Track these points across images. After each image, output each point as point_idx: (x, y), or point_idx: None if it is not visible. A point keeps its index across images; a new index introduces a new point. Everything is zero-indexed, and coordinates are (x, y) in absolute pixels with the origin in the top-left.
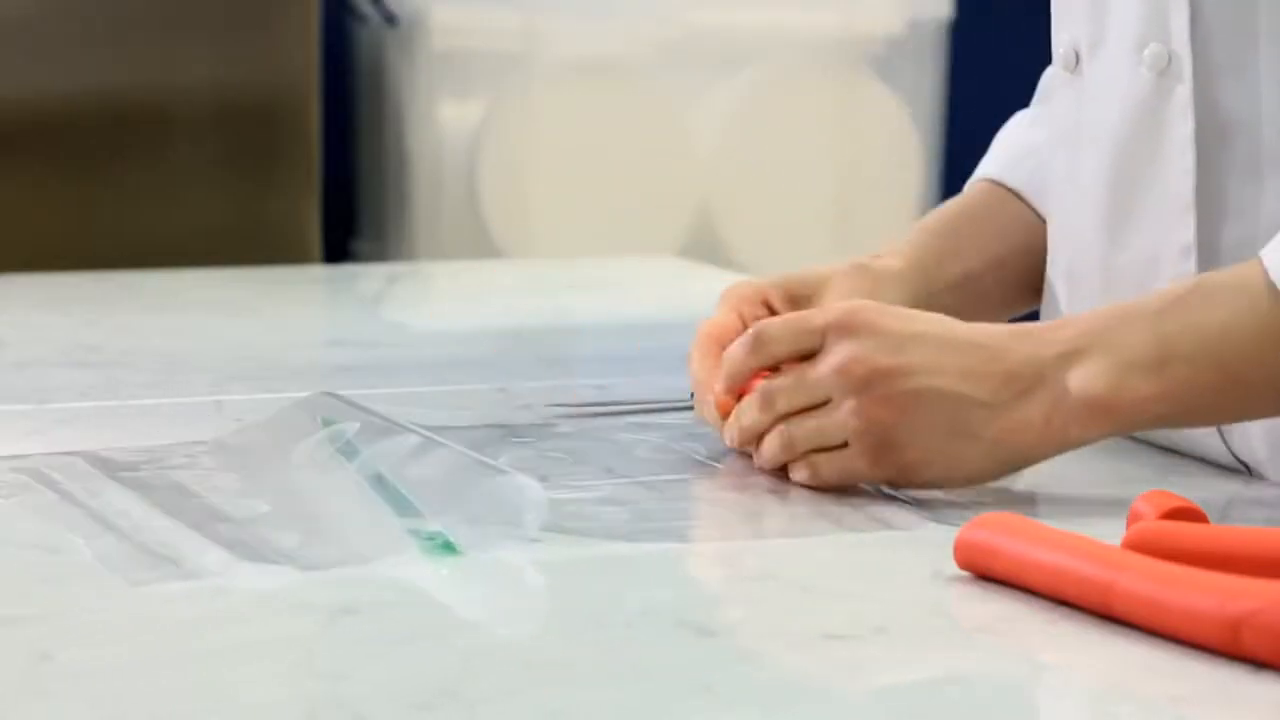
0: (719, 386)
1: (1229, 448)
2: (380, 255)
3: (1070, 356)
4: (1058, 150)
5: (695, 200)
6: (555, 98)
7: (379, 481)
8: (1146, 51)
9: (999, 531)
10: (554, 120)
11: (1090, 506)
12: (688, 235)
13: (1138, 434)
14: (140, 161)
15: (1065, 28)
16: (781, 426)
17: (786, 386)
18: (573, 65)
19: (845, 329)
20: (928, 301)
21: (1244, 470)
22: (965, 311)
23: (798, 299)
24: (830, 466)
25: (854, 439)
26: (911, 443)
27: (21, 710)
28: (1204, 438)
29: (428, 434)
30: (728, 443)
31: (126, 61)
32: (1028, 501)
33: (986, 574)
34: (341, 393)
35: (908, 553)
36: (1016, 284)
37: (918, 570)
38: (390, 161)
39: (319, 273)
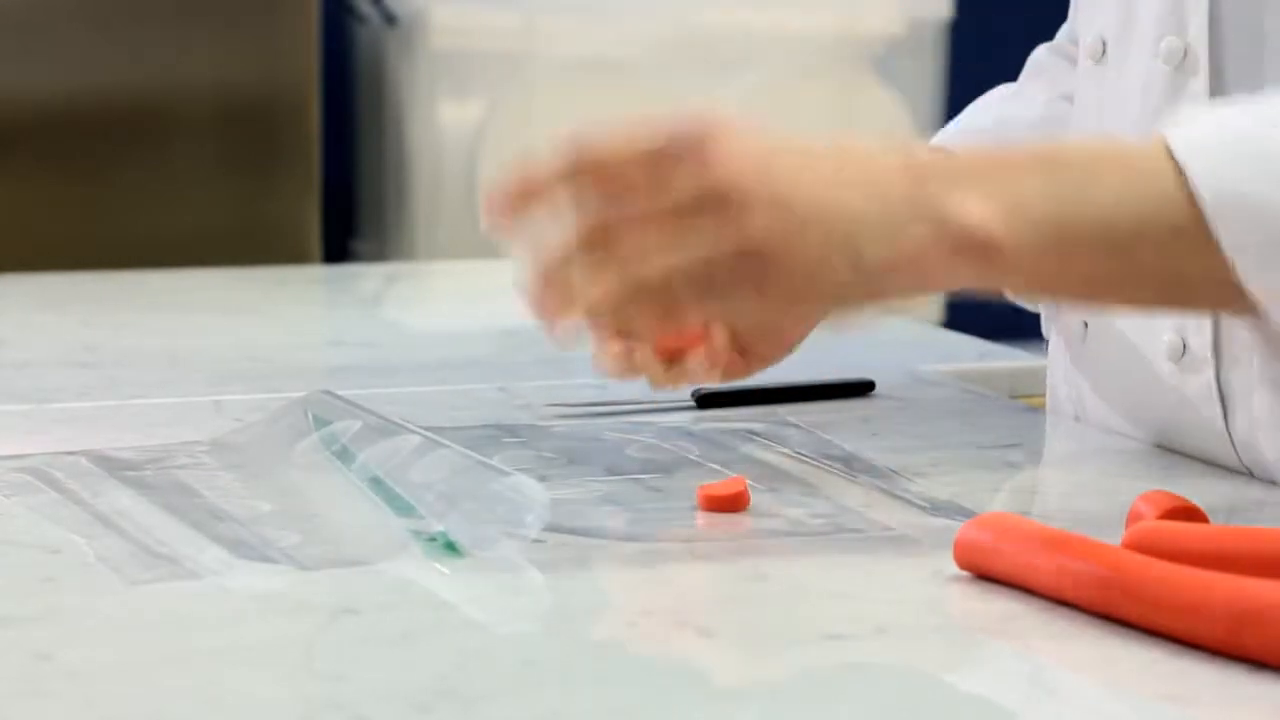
0: (504, 188)
1: (1235, 452)
2: (380, 255)
3: (958, 188)
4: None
5: None
6: (555, 98)
7: (378, 484)
8: (1163, 45)
9: (999, 531)
10: (554, 120)
11: (1090, 506)
12: None
13: (1137, 434)
14: (140, 161)
15: (1095, 18)
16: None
17: (638, 225)
18: (573, 65)
19: (703, 141)
20: None
21: (1247, 474)
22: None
23: None
24: (693, 283)
25: (729, 264)
26: (795, 263)
27: (21, 710)
28: (1208, 440)
29: (428, 434)
30: (541, 315)
31: (126, 61)
32: (1028, 501)
33: (986, 574)
34: (341, 393)
35: (908, 553)
36: None
37: (918, 570)
38: (390, 161)
39: (319, 273)
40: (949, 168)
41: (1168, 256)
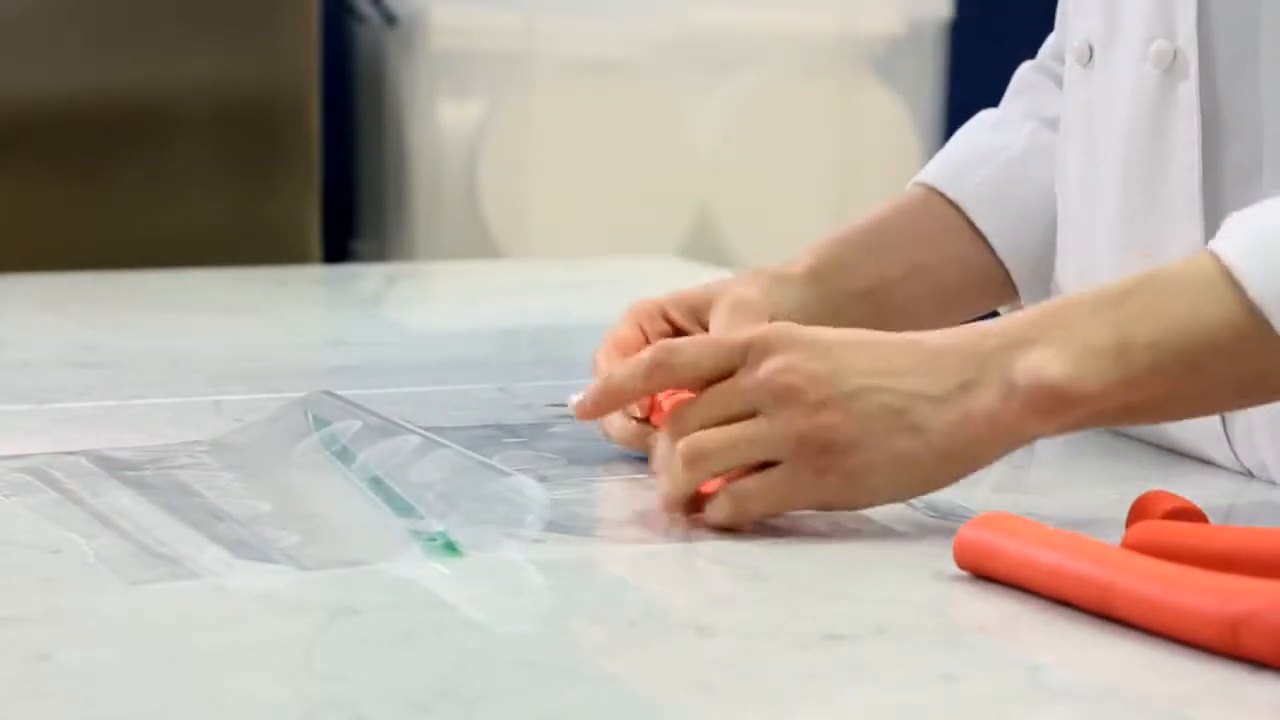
0: (588, 395)
1: (1234, 453)
2: (380, 255)
3: (1019, 345)
4: (1069, 146)
5: (695, 200)
6: (555, 98)
7: (378, 484)
8: (1152, 48)
9: (999, 531)
10: (554, 120)
11: (1090, 506)
12: (688, 235)
13: (1136, 433)
14: (140, 161)
15: (1081, 22)
16: (685, 439)
17: (700, 402)
18: (573, 65)
19: (766, 345)
20: (834, 309)
21: (1247, 474)
22: (880, 324)
23: (698, 309)
24: (760, 492)
25: (791, 453)
26: (855, 446)
27: (20, 710)
28: (1207, 441)
29: (428, 435)
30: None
31: (126, 61)
32: (1028, 502)
33: (986, 574)
34: (341, 393)
35: (908, 553)
36: (941, 296)
37: (918, 570)
38: (390, 161)
39: (319, 273)
40: (1006, 327)
41: (1238, 363)
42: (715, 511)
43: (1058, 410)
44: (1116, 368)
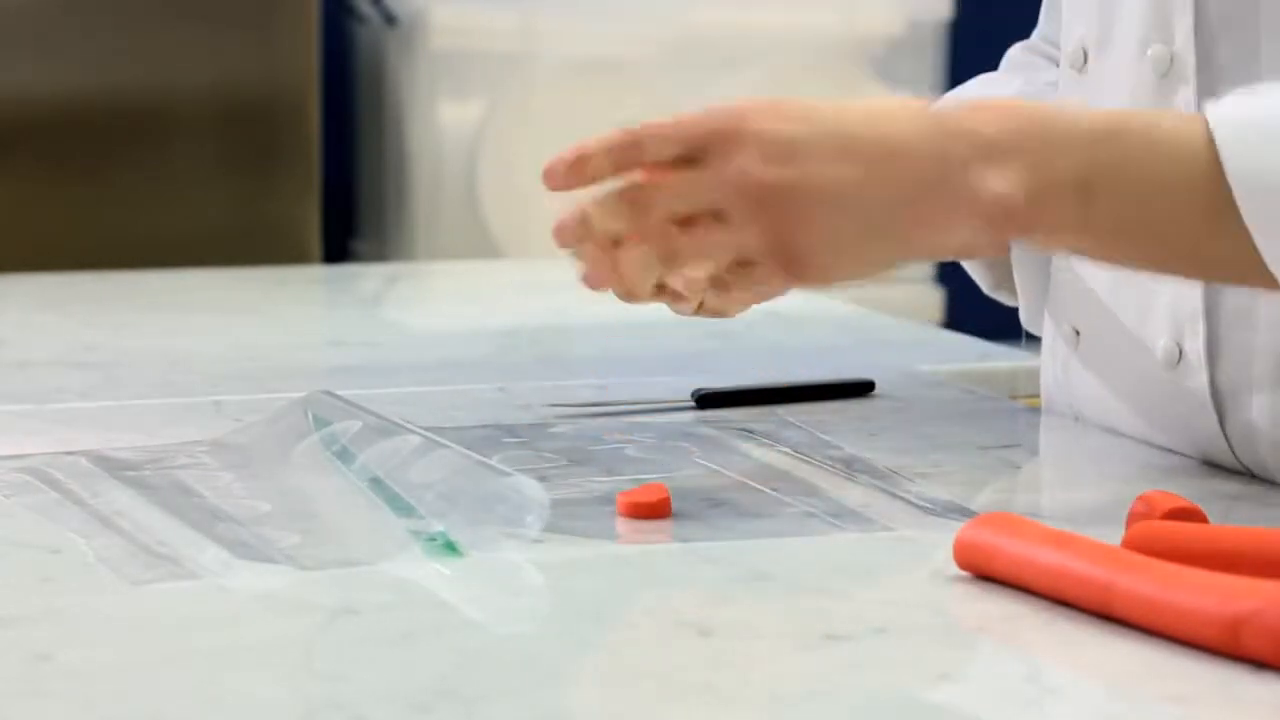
0: (560, 160)
1: (1234, 453)
2: (380, 255)
3: (986, 158)
4: None
5: None
6: (555, 98)
7: (378, 484)
8: (1150, 53)
9: (999, 531)
10: (554, 120)
11: (1090, 506)
12: None
13: (1137, 434)
14: (140, 161)
15: (1075, 27)
16: (658, 236)
17: (668, 189)
18: (572, 65)
19: (733, 137)
20: None
21: (1247, 474)
22: None
23: None
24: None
25: (758, 256)
26: (819, 248)
27: (20, 710)
28: (1205, 442)
29: (428, 435)
30: (561, 243)
31: (126, 61)
32: (1028, 501)
33: (986, 574)
34: (341, 393)
35: (908, 553)
36: None
37: (918, 570)
38: (390, 161)
39: (319, 273)
40: (978, 130)
41: (1200, 243)
42: (683, 303)
43: (1009, 227)
44: (1076, 209)
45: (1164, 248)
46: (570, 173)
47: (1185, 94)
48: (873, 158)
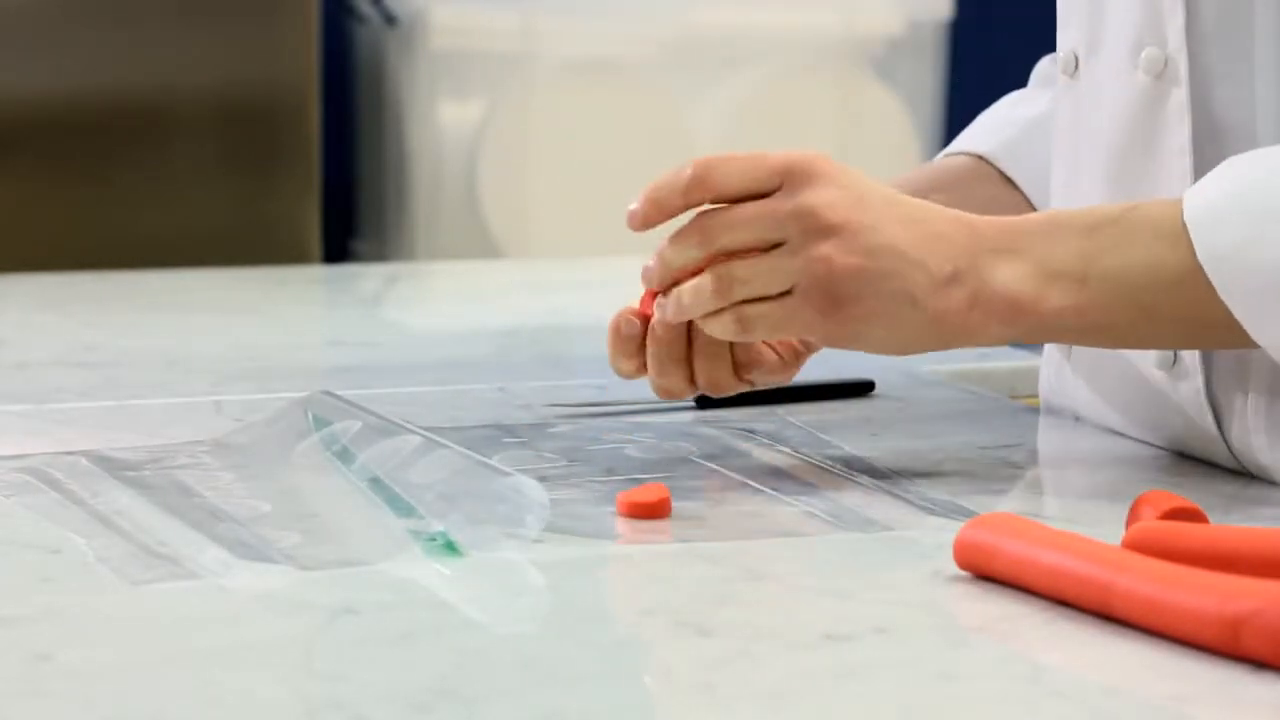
0: (638, 205)
1: (1233, 453)
2: (380, 255)
3: (1001, 253)
4: (1056, 155)
5: None
6: (555, 98)
7: (378, 484)
8: (1142, 55)
9: (999, 531)
10: (554, 120)
11: (1090, 506)
12: None
13: (1137, 435)
14: (141, 161)
15: (1065, 33)
16: (719, 265)
17: (732, 221)
18: (573, 65)
19: (805, 174)
20: None
21: (1247, 474)
22: None
23: None
24: (765, 316)
25: (805, 286)
26: (862, 297)
27: (20, 710)
28: (1204, 443)
29: (428, 435)
30: (646, 283)
31: (126, 61)
32: (1028, 501)
33: (986, 574)
34: (341, 393)
35: (908, 553)
36: None
37: (918, 570)
38: (390, 161)
39: (319, 273)
40: (1001, 230)
41: (1186, 310)
42: (722, 328)
43: (1017, 320)
44: (1074, 294)
45: (1155, 320)
46: (645, 220)
47: (1178, 96)
48: (922, 224)
